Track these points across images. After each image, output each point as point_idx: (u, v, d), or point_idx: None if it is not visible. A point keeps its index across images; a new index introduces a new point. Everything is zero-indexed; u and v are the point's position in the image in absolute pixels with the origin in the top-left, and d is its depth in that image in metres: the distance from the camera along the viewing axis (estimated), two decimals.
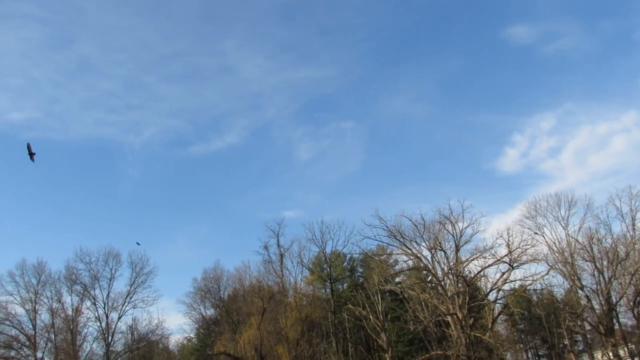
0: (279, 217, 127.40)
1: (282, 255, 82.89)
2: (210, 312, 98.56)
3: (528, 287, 63.56)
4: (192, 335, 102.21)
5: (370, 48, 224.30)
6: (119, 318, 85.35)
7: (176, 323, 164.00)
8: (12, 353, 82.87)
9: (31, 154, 44.08)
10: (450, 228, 59.96)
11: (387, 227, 60.93)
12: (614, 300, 70.26)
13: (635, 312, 69.93)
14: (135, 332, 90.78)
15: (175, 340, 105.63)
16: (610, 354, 69.24)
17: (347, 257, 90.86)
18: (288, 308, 72.05)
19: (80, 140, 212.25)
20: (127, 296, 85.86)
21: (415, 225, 61.29)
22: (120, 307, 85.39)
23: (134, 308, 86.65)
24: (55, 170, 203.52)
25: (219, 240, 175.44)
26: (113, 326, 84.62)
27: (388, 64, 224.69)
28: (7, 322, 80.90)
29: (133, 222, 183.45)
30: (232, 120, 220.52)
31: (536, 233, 72.80)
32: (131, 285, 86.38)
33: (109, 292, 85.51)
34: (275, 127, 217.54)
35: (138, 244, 65.97)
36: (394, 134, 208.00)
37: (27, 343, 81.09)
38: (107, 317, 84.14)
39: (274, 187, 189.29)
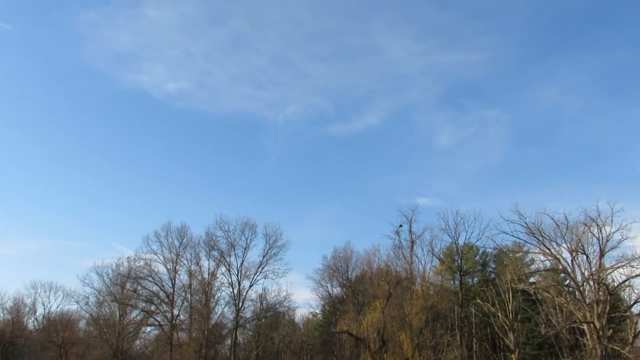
0: (413, 204, 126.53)
1: (412, 242, 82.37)
2: (336, 290, 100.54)
3: None
4: (317, 311, 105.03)
5: (524, 34, 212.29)
6: (250, 286, 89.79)
7: (303, 297, 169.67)
8: (152, 307, 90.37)
9: None
10: (595, 231, 55.91)
11: (525, 223, 58.10)
12: None
13: None
14: (264, 302, 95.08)
15: (300, 314, 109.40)
16: None
17: (480, 251, 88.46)
18: (414, 295, 71.62)
19: (227, 113, 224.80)
20: (259, 266, 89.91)
21: (557, 225, 57.87)
22: (252, 276, 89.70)
23: (265, 278, 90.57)
24: (204, 141, 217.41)
25: (350, 221, 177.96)
26: (244, 293, 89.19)
27: (543, 52, 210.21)
28: (150, 279, 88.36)
29: (270, 195, 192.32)
30: (374, 102, 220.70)
31: None
32: (264, 256, 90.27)
33: (243, 260, 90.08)
34: (417, 111, 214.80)
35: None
36: (543, 126, 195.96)
37: (166, 300, 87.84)
38: (239, 284, 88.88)
39: (410, 172, 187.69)
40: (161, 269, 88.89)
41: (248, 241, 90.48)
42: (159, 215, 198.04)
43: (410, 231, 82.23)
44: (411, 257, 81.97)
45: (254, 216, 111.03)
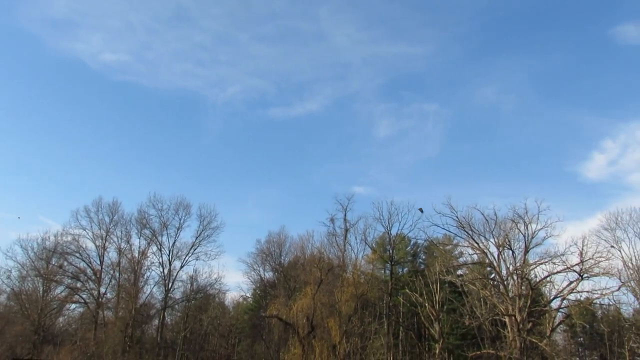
0: (349, 192, 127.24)
1: (347, 230, 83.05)
2: (268, 275, 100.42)
3: (595, 301, 61.10)
4: (248, 294, 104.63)
5: (467, 31, 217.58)
6: (181, 267, 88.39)
7: (234, 281, 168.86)
8: (78, 284, 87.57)
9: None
10: (522, 228, 58.10)
11: (457, 217, 59.77)
12: None
13: None
14: (194, 283, 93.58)
15: (231, 297, 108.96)
16: None
17: (412, 242, 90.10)
18: (345, 283, 72.32)
19: (166, 88, 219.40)
20: (191, 247, 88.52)
21: (487, 220, 59.79)
22: (184, 257, 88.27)
23: (197, 260, 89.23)
24: (141, 116, 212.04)
25: (286, 206, 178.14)
26: (174, 274, 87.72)
27: (483, 50, 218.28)
28: (77, 255, 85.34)
29: (207, 176, 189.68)
30: (316, 88, 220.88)
31: (612, 246, 69.38)
32: (197, 237, 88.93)
33: (175, 240, 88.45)
34: (358, 100, 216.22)
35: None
36: (479, 123, 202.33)
37: (93, 277, 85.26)
38: (170, 264, 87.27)
39: (349, 160, 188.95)
40: (89, 245, 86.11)
41: (181, 221, 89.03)
42: (90, 190, 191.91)
43: (344, 219, 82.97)
44: (344, 245, 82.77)
45: (188, 196, 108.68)
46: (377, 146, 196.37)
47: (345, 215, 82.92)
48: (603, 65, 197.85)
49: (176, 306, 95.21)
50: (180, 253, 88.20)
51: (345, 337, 66.39)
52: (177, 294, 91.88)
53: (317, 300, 67.24)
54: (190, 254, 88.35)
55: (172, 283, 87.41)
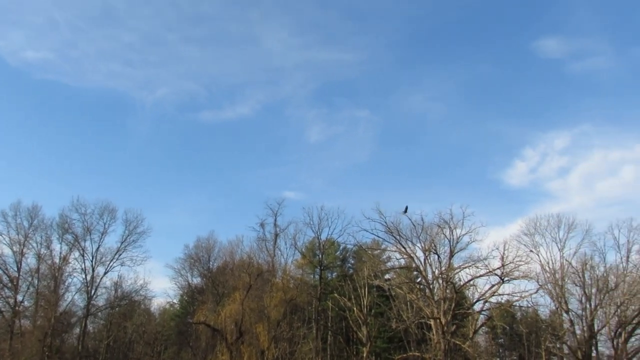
0: (279, 197, 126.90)
1: (276, 235, 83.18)
2: (196, 280, 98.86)
3: (514, 303, 63.62)
4: (175, 301, 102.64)
5: (398, 39, 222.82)
6: (105, 273, 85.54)
7: (161, 287, 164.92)
8: None
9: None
10: (448, 233, 59.82)
11: (385, 222, 60.85)
12: (597, 328, 70.44)
13: (614, 343, 69.87)
14: (119, 290, 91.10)
15: (157, 303, 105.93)
16: None
17: (341, 247, 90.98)
18: (274, 288, 72.12)
19: (92, 88, 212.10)
20: (116, 252, 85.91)
21: (414, 225, 61.24)
22: (108, 263, 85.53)
23: (122, 265, 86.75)
24: (64, 116, 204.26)
25: (216, 211, 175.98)
26: (98, 280, 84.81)
27: (414, 59, 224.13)
28: None
29: (133, 180, 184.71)
30: (248, 92, 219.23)
31: (531, 251, 72.77)
32: (122, 243, 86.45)
33: (99, 246, 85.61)
34: (290, 105, 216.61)
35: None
36: (408, 130, 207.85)
37: (9, 285, 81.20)
38: (93, 270, 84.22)
39: (280, 165, 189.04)
40: (6, 251, 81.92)
41: (106, 226, 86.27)
42: (7, 193, 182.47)
43: (275, 224, 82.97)
44: (274, 250, 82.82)
45: (114, 200, 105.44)
46: (308, 151, 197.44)
47: (275, 220, 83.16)
48: (525, 77, 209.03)
49: (99, 314, 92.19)
50: (104, 259, 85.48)
51: (274, 343, 66.22)
52: (101, 301, 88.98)
53: (245, 306, 66.71)
54: (114, 260, 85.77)
55: (95, 290, 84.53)
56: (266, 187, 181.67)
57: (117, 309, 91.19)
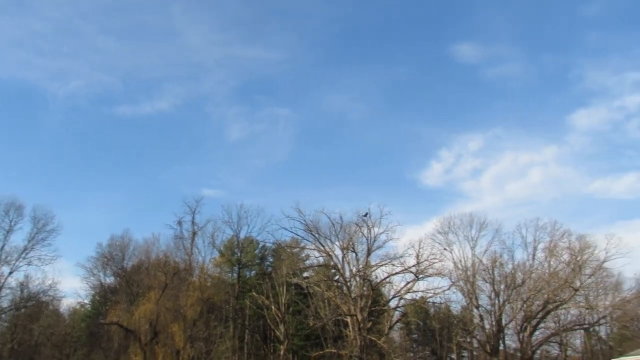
0: (198, 195, 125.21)
1: (194, 234, 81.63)
2: (110, 280, 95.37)
3: (428, 299, 65.57)
4: (86, 301, 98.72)
5: (320, 39, 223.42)
6: (10, 273, 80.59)
7: (71, 287, 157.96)
8: None
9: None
10: (365, 231, 60.86)
11: (304, 220, 61.25)
12: (504, 323, 73.72)
13: (520, 337, 73.47)
14: (25, 290, 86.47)
15: (67, 303, 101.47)
16: None
17: (260, 245, 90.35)
18: (191, 287, 70.89)
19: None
20: (23, 251, 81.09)
21: (333, 224, 61.93)
22: (14, 262, 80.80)
23: (29, 265, 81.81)
24: None
25: (132, 209, 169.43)
26: (2, 280, 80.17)
27: (335, 59, 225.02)
28: None
29: (43, 175, 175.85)
30: (167, 87, 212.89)
31: (445, 249, 75.06)
32: (29, 241, 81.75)
33: (4, 244, 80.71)
34: (210, 101, 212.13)
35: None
36: (328, 129, 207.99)
37: None
38: None
39: (199, 162, 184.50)
40: None
41: (12, 223, 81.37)
42: None
43: (192, 222, 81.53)
44: (192, 249, 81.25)
45: (22, 197, 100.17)
46: (228, 149, 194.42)
47: (193, 218, 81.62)
48: (443, 80, 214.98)
49: (3, 316, 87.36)
50: (9, 258, 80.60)
51: (190, 342, 65.12)
52: (5, 302, 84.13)
53: (161, 305, 65.23)
54: (21, 259, 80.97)
55: None
56: (185, 185, 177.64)
57: (22, 310, 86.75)
